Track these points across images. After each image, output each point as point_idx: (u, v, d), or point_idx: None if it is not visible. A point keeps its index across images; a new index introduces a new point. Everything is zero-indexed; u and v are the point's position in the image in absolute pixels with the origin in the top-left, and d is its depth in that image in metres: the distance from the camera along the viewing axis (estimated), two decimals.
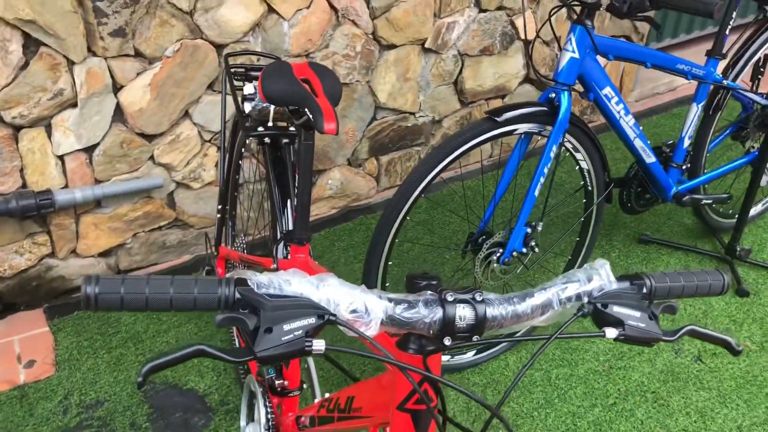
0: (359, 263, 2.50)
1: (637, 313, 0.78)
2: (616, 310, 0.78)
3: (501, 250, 1.92)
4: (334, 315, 0.72)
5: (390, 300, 0.75)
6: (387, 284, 1.87)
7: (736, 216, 2.44)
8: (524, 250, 1.93)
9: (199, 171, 2.41)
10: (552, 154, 1.85)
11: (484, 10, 2.76)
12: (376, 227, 1.77)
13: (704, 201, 2.33)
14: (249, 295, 0.69)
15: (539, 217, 1.97)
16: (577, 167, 2.02)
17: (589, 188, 2.06)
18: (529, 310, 0.79)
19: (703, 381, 2.07)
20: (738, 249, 2.47)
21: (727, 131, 2.42)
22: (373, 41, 2.55)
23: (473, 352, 2.06)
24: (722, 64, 2.21)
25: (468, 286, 0.79)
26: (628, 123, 2.02)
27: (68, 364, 2.10)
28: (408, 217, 1.78)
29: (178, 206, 2.42)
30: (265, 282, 0.70)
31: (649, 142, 2.13)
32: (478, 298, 0.76)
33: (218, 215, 1.94)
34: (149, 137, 2.25)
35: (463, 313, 0.75)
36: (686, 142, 2.25)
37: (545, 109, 1.83)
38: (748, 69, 2.25)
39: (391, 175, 2.89)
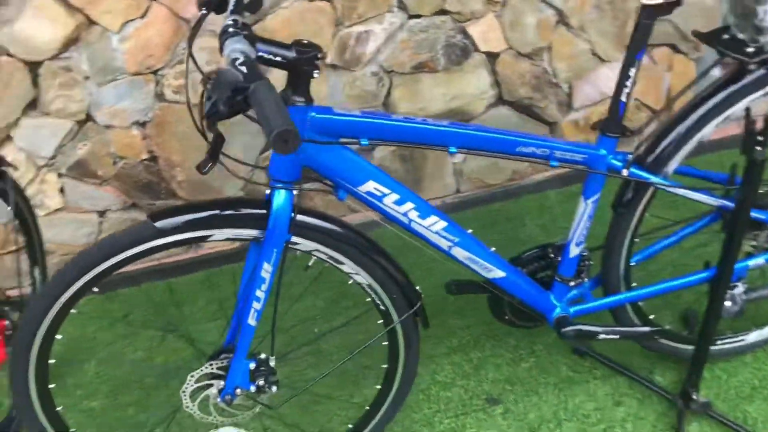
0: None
1: None
2: None
3: (222, 384, 1.42)
4: None
5: None
6: None
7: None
8: (252, 387, 1.41)
9: (41, 198, 2.14)
10: (264, 273, 1.29)
11: (416, 16, 2.10)
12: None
13: (602, 336, 1.57)
14: None
15: (269, 350, 1.42)
16: (350, 281, 1.42)
17: (382, 308, 1.45)
18: None
19: None
20: (693, 397, 1.68)
21: (683, 231, 1.61)
22: None
23: None
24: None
25: None
26: (430, 228, 1.37)
27: None
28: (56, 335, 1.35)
29: None
30: None
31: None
32: None
33: None
34: None
35: None
36: (573, 250, 1.51)
37: (249, 211, 1.27)
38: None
39: None
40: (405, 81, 2.21)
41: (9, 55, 1.91)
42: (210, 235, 1.28)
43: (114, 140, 2.10)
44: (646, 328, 1.61)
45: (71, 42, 1.92)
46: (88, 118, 2.06)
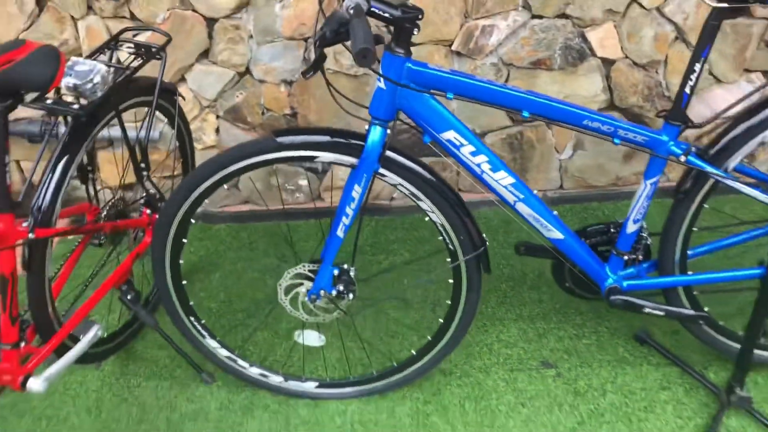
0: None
1: None
2: None
3: (310, 285, 1.74)
4: None
5: None
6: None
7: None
8: (333, 291, 1.71)
9: (200, 134, 2.57)
10: (354, 194, 1.58)
11: (539, 16, 2.33)
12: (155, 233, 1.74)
13: (648, 310, 1.71)
14: None
15: (350, 261, 1.71)
16: (427, 218, 1.68)
17: (450, 247, 1.70)
18: None
19: None
20: (736, 391, 1.79)
21: (749, 234, 1.72)
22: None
23: None
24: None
25: None
26: (500, 182, 1.60)
27: None
28: (192, 220, 1.72)
29: None
30: None
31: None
32: None
33: None
34: None
35: None
36: (631, 227, 1.67)
37: (351, 141, 1.57)
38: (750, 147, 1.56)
39: None
40: (522, 75, 2.43)
41: (194, 11, 2.33)
42: (317, 156, 1.59)
43: (265, 93, 2.48)
44: (691, 311, 1.73)
45: (243, 4, 2.31)
46: (247, 71, 2.45)
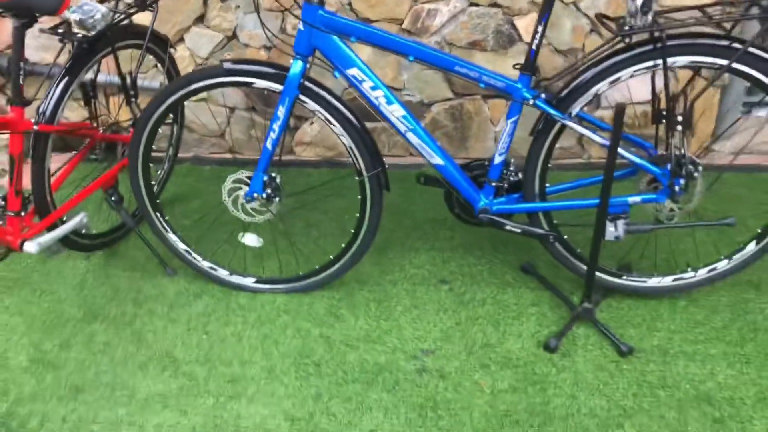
0: None
1: None
2: None
3: (246, 188, 2.21)
4: None
5: None
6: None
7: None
8: (263, 194, 2.19)
9: None
10: (279, 113, 2.06)
11: (476, 4, 2.79)
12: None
13: (508, 227, 2.15)
14: None
15: (277, 170, 2.19)
16: (339, 142, 2.15)
17: (357, 166, 2.16)
18: None
19: None
20: (584, 304, 2.20)
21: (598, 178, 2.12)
22: (350, 11, 2.86)
23: None
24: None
25: None
26: (393, 113, 2.06)
27: None
28: (159, 130, 2.22)
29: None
30: None
31: None
32: None
33: None
34: None
35: None
36: (497, 159, 2.12)
37: (280, 72, 2.05)
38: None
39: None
40: (460, 53, 2.89)
41: None
42: (254, 83, 2.07)
43: (248, 55, 2.99)
44: (541, 230, 2.16)
45: None
46: (234, 36, 2.96)
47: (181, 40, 2.98)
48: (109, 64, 2.36)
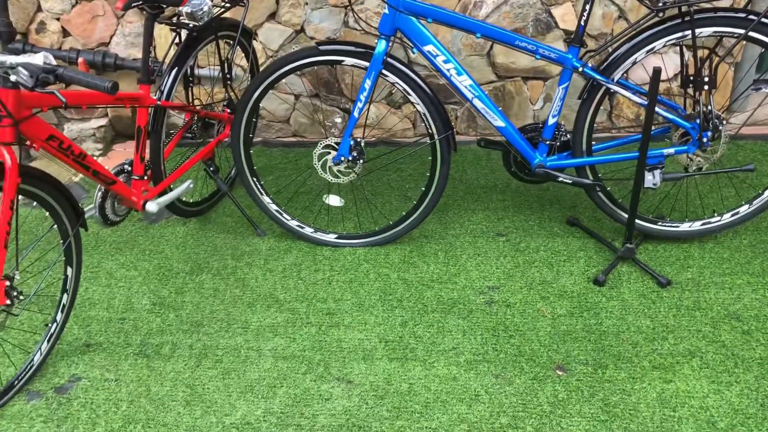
0: None
1: None
2: None
3: (335, 153, 2.59)
4: None
5: None
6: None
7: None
8: (350, 157, 2.57)
9: None
10: (366, 85, 2.45)
11: None
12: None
13: (561, 178, 2.53)
14: None
15: (363, 135, 2.57)
16: (414, 110, 2.54)
17: (429, 131, 2.55)
18: None
19: None
20: (626, 245, 2.56)
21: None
22: None
23: None
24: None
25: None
26: (462, 83, 2.44)
27: None
28: (253, 119, 2.60)
29: None
30: None
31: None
32: None
33: None
34: None
35: None
36: (551, 120, 2.49)
37: (367, 51, 2.43)
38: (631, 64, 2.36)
39: None
40: None
41: None
42: (344, 60, 2.46)
43: None
44: (588, 180, 2.53)
45: None
46: (301, 29, 3.35)
47: (255, 34, 3.37)
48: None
